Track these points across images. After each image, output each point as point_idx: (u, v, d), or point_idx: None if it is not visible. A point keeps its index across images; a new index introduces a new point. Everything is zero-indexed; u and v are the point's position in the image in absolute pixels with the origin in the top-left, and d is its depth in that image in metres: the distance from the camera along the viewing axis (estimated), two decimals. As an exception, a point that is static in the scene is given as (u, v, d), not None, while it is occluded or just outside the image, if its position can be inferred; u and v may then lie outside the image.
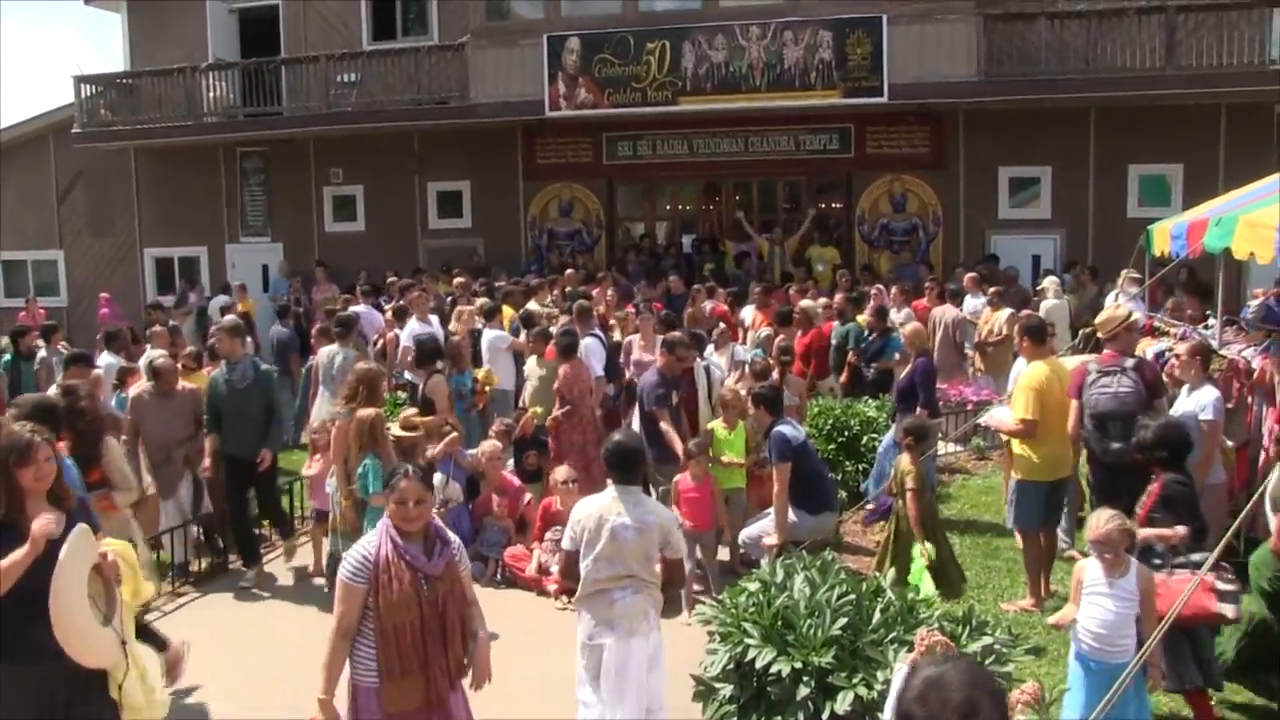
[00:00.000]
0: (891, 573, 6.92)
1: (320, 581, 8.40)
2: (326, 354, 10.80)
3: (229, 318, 10.87)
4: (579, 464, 9.05)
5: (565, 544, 5.34)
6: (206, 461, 8.60)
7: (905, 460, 7.14)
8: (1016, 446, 7.43)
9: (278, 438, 8.80)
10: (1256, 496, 5.93)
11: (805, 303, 12.40)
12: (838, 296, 13.29)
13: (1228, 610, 5.29)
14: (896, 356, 11.42)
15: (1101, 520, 5.01)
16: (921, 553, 6.81)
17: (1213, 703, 5.61)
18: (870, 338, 11.76)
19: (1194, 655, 5.36)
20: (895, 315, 12.75)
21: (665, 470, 8.44)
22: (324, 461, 8.90)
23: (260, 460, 8.39)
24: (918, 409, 9.10)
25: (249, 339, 10.53)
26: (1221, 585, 5.29)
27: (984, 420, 8.51)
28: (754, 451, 8.48)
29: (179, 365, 9.30)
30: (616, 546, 5.04)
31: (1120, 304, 8.81)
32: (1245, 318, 8.51)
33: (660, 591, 5.25)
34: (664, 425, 8.51)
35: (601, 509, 5.14)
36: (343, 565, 4.31)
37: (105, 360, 10.63)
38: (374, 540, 4.33)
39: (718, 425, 8.48)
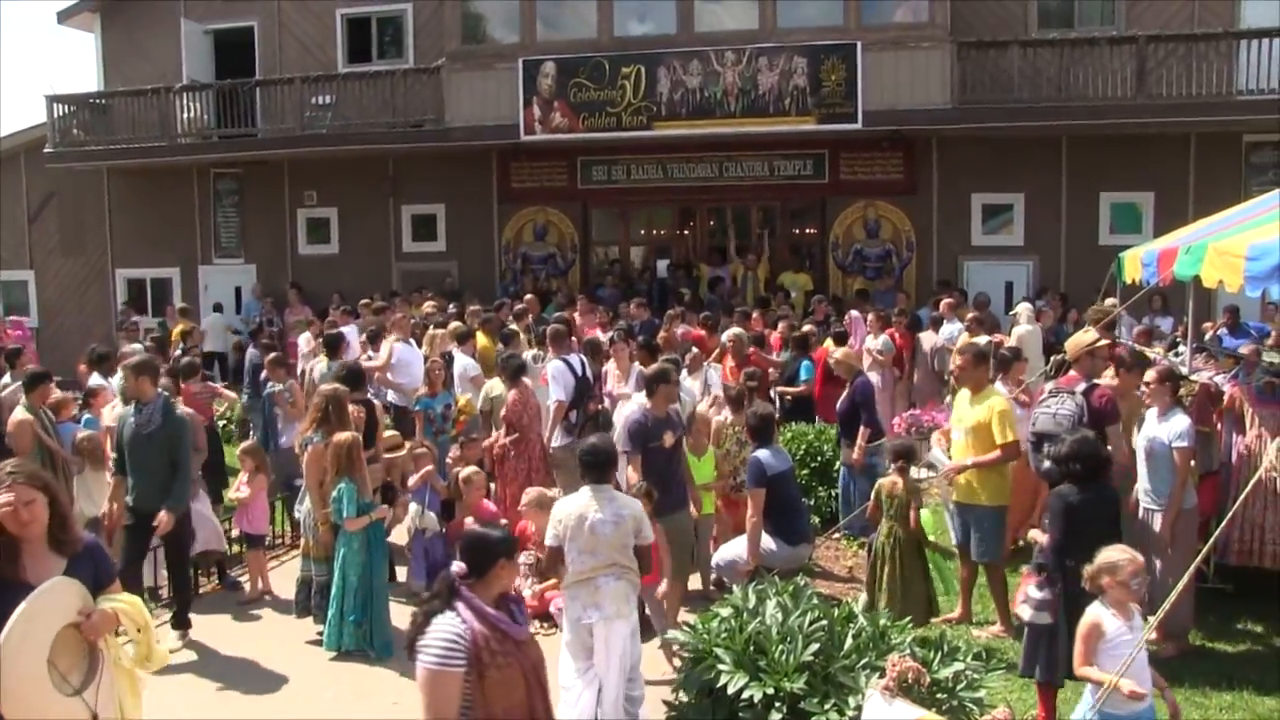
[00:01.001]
0: (883, 599, 6.92)
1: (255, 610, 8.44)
2: (319, 369, 10.85)
3: (132, 347, 10.26)
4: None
5: (549, 540, 5.77)
6: (104, 506, 7.92)
7: (899, 482, 7.11)
8: (993, 474, 7.35)
9: (181, 496, 7.50)
10: (1227, 520, 5.96)
11: (734, 330, 11.97)
12: (781, 325, 13.20)
13: (1023, 612, 5.71)
14: (803, 381, 11.43)
15: (1135, 555, 4.92)
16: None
17: None
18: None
19: (1049, 650, 5.62)
20: (873, 343, 12.81)
21: (668, 520, 7.20)
22: (256, 484, 8.76)
23: (156, 523, 7.27)
24: (860, 430, 9.19)
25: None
26: (1033, 592, 5.67)
27: (946, 471, 7.77)
28: (725, 477, 8.43)
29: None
30: (596, 539, 5.58)
31: (1088, 329, 8.88)
32: (1207, 347, 8.59)
33: (637, 576, 5.75)
34: (629, 470, 7.60)
35: (580, 507, 5.66)
36: (426, 652, 3.64)
37: (94, 381, 10.58)
38: (455, 616, 3.70)
39: (686, 450, 8.27)
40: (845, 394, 9.62)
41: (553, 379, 9.80)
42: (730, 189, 18.41)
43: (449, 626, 3.66)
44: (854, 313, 14.10)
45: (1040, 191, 17.06)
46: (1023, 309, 13.33)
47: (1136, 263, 9.42)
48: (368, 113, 18.16)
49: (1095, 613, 4.87)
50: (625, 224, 20.07)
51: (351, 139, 18.24)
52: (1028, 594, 5.74)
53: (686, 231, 19.98)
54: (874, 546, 7.24)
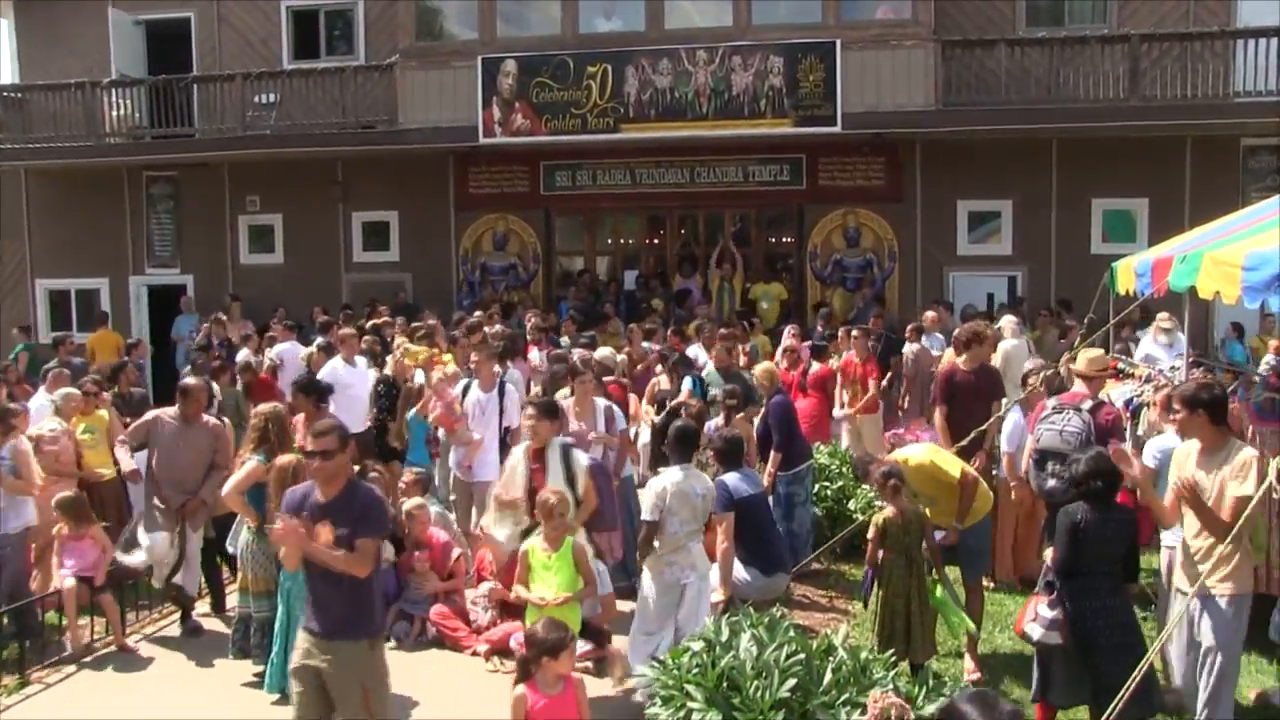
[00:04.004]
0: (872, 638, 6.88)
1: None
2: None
3: None
4: None
5: (649, 515, 6.89)
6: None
7: (898, 511, 6.80)
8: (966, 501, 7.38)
9: None
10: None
11: (604, 350, 11.62)
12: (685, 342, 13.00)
13: (1032, 631, 5.88)
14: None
15: None
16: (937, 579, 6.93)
17: None
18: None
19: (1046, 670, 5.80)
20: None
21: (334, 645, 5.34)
22: (88, 534, 8.22)
23: None
24: (770, 452, 9.19)
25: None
26: (1044, 610, 5.85)
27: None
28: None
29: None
30: (693, 509, 6.89)
31: (1094, 347, 8.96)
32: (1259, 373, 8.56)
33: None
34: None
35: (676, 483, 6.88)
36: None
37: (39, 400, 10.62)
38: None
39: (535, 546, 6.73)
40: (760, 414, 9.68)
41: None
42: (702, 195, 18.42)
43: None
44: (793, 326, 13.93)
45: (1029, 198, 17.18)
46: (1006, 321, 13.40)
47: (1130, 273, 9.52)
48: (315, 112, 18.08)
49: None
50: (591, 232, 20.04)
51: (297, 140, 18.15)
52: (1038, 612, 5.84)
53: (656, 240, 20.00)
54: (890, 599, 6.75)
